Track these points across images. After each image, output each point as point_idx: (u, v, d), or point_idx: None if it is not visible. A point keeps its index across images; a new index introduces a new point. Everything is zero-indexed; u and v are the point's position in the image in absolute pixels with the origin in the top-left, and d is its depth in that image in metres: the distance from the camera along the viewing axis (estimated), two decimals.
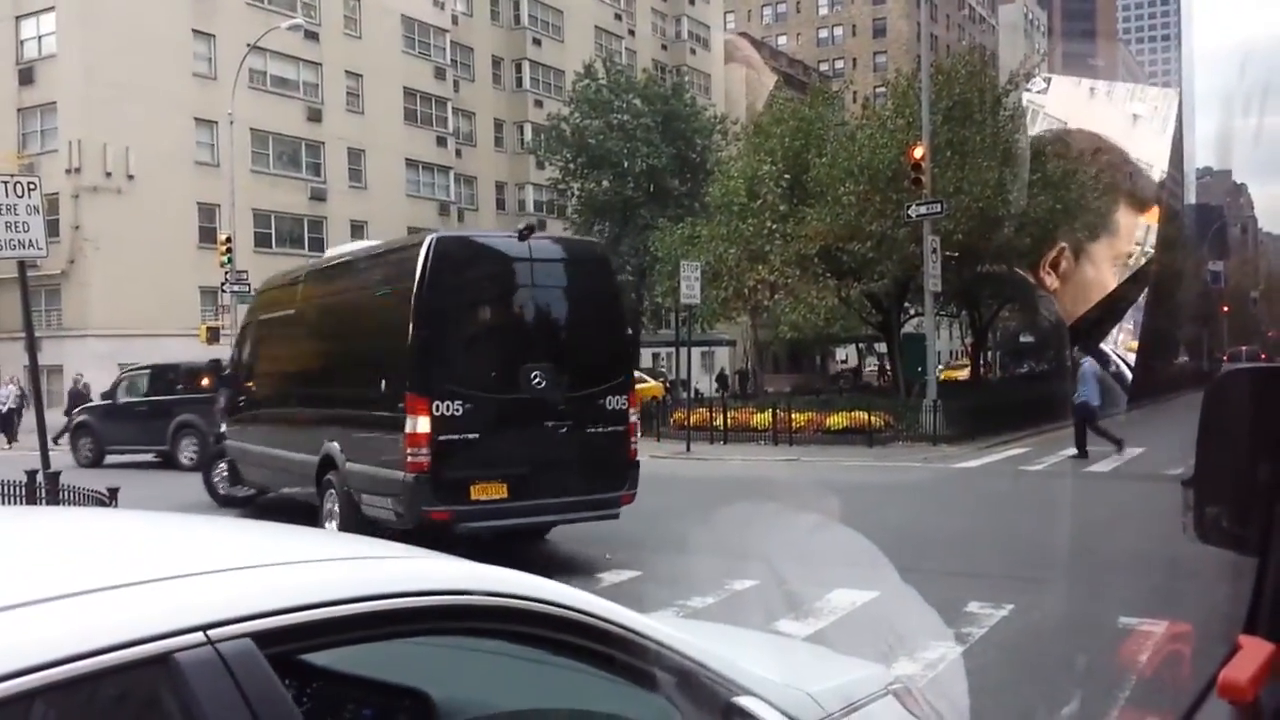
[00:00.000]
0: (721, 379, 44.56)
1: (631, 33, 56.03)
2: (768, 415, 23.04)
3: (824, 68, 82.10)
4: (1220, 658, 1.14)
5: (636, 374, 13.12)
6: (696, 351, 37.51)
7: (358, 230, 37.35)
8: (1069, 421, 18.71)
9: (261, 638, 1.41)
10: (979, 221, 23.73)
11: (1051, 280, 32.32)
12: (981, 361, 37.88)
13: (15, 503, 8.49)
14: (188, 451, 19.01)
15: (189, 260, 34.14)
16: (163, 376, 20.59)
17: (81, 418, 21.27)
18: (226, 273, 29.08)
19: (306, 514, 10.13)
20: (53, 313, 32.85)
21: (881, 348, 37.43)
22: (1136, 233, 36.61)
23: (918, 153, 22.32)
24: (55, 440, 17.85)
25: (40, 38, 34.09)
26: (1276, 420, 1.25)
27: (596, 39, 52.21)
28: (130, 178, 33.21)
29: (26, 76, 34.16)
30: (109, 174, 32.90)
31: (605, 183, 39.33)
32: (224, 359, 15.89)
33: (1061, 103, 38.51)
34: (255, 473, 12.48)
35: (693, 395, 29.33)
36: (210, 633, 1.36)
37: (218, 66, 35.48)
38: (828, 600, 7.05)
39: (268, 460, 11.73)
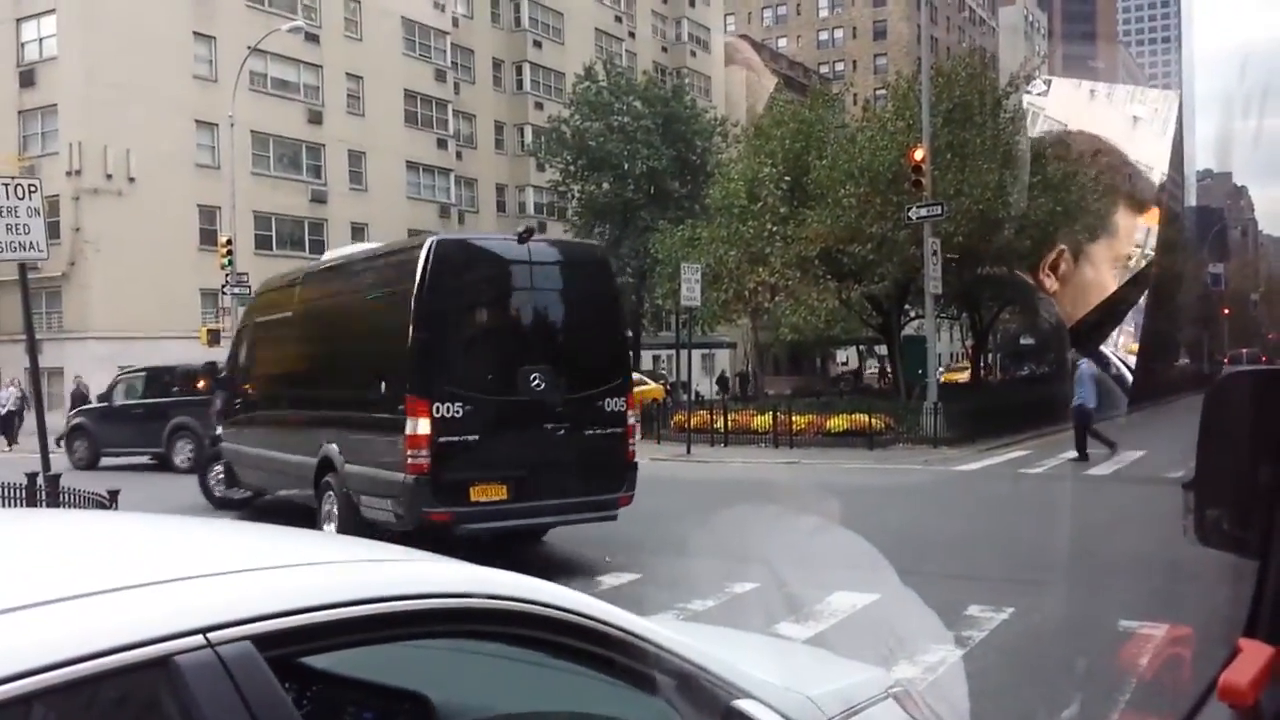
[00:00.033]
0: (722, 381, 44.53)
1: (632, 35, 56.05)
2: (768, 418, 23.02)
3: (824, 70, 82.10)
4: (1221, 661, 1.14)
5: (636, 376, 13.15)
6: (697, 354, 37.49)
7: (358, 233, 37.36)
8: (1069, 424, 18.72)
9: (261, 640, 1.41)
10: (979, 224, 23.72)
11: (1052, 282, 32.29)
12: (982, 364, 37.89)
13: (15, 505, 8.49)
14: (183, 454, 19.01)
15: (189, 262, 34.13)
16: (158, 379, 20.60)
17: (77, 420, 21.29)
18: (227, 275, 29.07)
19: (303, 516, 10.12)
20: (53, 315, 32.83)
21: (882, 350, 37.46)
22: (1137, 235, 36.62)
23: (918, 155, 22.31)
24: (58, 442, 17.86)
25: (41, 40, 34.08)
26: (1277, 423, 1.25)
27: (597, 41, 52.24)
28: (131, 180, 33.21)
29: (27, 79, 34.15)
30: (109, 176, 32.91)
31: (605, 185, 39.32)
32: (220, 362, 15.87)
33: (1061, 105, 38.53)
34: (252, 475, 12.47)
35: (693, 397, 29.34)
36: (210, 635, 1.36)
37: (218, 69, 35.51)
38: (828, 603, 7.05)
39: (265, 462, 11.72)
